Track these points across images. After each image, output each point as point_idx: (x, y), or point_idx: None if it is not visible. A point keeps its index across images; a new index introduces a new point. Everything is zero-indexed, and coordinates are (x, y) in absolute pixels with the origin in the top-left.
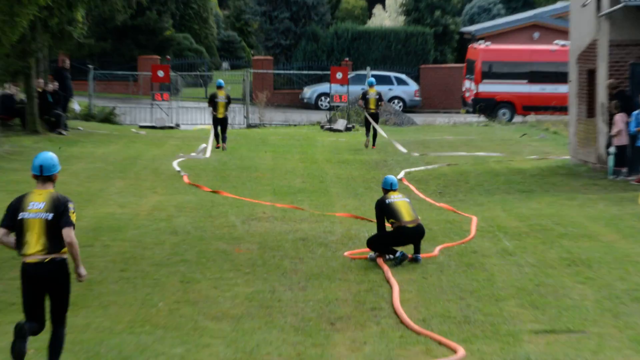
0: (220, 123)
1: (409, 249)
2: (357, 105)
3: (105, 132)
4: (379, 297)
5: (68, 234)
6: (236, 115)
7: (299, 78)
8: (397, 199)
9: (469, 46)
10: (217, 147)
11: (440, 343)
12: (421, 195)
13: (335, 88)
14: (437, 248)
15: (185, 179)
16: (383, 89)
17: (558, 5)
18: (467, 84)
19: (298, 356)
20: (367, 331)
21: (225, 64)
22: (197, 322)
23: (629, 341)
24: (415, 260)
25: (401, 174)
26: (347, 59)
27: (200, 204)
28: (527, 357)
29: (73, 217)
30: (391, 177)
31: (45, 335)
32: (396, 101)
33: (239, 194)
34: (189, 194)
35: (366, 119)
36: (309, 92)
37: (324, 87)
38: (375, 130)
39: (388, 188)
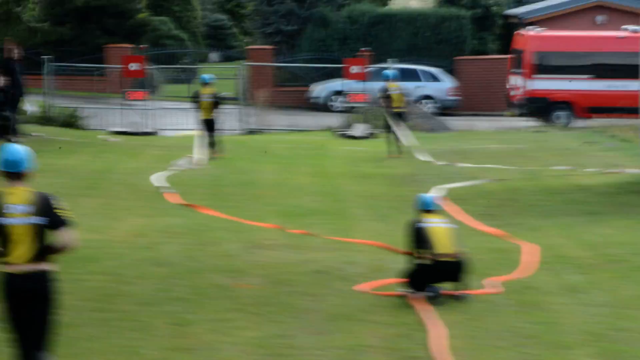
0: (207, 126)
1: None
2: (380, 105)
3: (67, 139)
4: (414, 343)
5: (68, 236)
6: (229, 119)
7: (306, 73)
8: (434, 223)
9: (516, 33)
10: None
11: None
12: (461, 218)
13: (350, 85)
14: (487, 282)
15: (170, 197)
16: (409, 86)
17: None
18: (514, 80)
19: None
20: None
21: (213, 55)
22: None
23: None
24: (458, 297)
25: (435, 191)
26: (364, 48)
27: (191, 229)
28: None
29: (64, 213)
30: (426, 195)
31: None
32: (426, 101)
33: (238, 215)
34: (177, 216)
35: (386, 120)
36: (319, 90)
37: (336, 83)
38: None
39: (423, 209)
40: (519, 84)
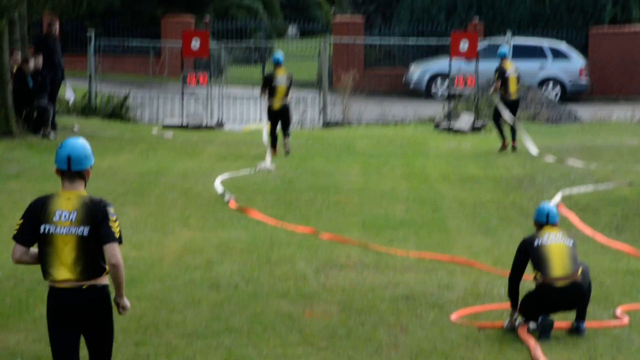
0: (279, 117)
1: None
2: (492, 92)
3: (113, 134)
4: None
5: (112, 252)
6: (308, 109)
7: (403, 51)
8: (552, 240)
9: None
10: (275, 155)
11: None
12: (587, 231)
13: (458, 65)
14: (616, 312)
15: (233, 204)
16: (532, 66)
17: None
18: None
19: None
20: None
21: (292, 29)
22: None
23: None
24: (576, 330)
25: (557, 198)
26: (476, 19)
27: (254, 244)
28: None
29: (116, 228)
30: (548, 205)
31: None
32: (551, 85)
33: (313, 226)
34: (238, 229)
35: (497, 109)
36: (418, 72)
37: (440, 64)
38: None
39: (543, 221)
40: None
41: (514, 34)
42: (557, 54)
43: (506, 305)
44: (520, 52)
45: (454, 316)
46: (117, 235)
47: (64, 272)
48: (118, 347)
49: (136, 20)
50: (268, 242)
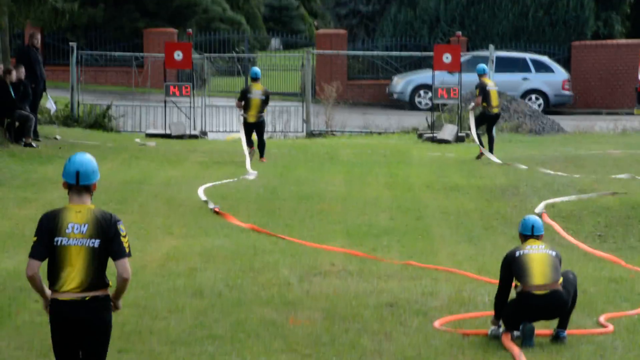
0: (254, 129)
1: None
2: (472, 108)
3: (95, 144)
4: None
5: (124, 267)
6: (291, 119)
7: (387, 62)
8: (534, 250)
9: None
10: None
11: None
12: (571, 240)
13: (441, 77)
14: (600, 319)
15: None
16: (515, 78)
17: None
18: None
19: None
20: None
21: (275, 42)
22: None
23: None
24: (556, 338)
25: (540, 207)
26: (459, 33)
27: (237, 251)
28: None
29: (126, 243)
30: (533, 217)
31: None
32: (534, 97)
33: (296, 235)
34: (221, 236)
35: (478, 119)
36: (402, 83)
37: (423, 75)
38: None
39: (528, 234)
40: None
41: (496, 47)
42: (540, 67)
43: (490, 312)
44: (504, 64)
45: (437, 323)
46: (127, 251)
47: (71, 282)
48: None
49: (118, 33)
50: (252, 250)
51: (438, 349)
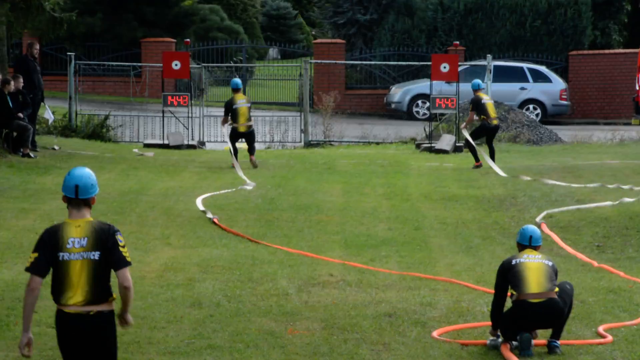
0: (244, 137)
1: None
2: (463, 127)
3: (93, 154)
4: None
5: (124, 276)
6: (289, 129)
7: (384, 72)
8: (530, 259)
9: None
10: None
11: None
12: (569, 250)
13: (439, 87)
14: (599, 329)
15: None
16: (513, 87)
17: None
18: None
19: None
20: None
21: (273, 51)
22: None
23: None
24: (549, 347)
25: (539, 217)
26: (457, 42)
27: (236, 262)
28: None
29: (126, 253)
30: (532, 228)
31: None
32: (531, 107)
33: (294, 246)
34: (219, 247)
35: (478, 131)
36: (399, 93)
37: (421, 85)
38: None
39: (526, 244)
40: None
41: (494, 57)
42: (539, 76)
43: (489, 323)
44: (502, 74)
45: (436, 333)
46: (127, 260)
47: (75, 296)
48: None
49: (116, 43)
50: (250, 260)
51: (437, 359)
